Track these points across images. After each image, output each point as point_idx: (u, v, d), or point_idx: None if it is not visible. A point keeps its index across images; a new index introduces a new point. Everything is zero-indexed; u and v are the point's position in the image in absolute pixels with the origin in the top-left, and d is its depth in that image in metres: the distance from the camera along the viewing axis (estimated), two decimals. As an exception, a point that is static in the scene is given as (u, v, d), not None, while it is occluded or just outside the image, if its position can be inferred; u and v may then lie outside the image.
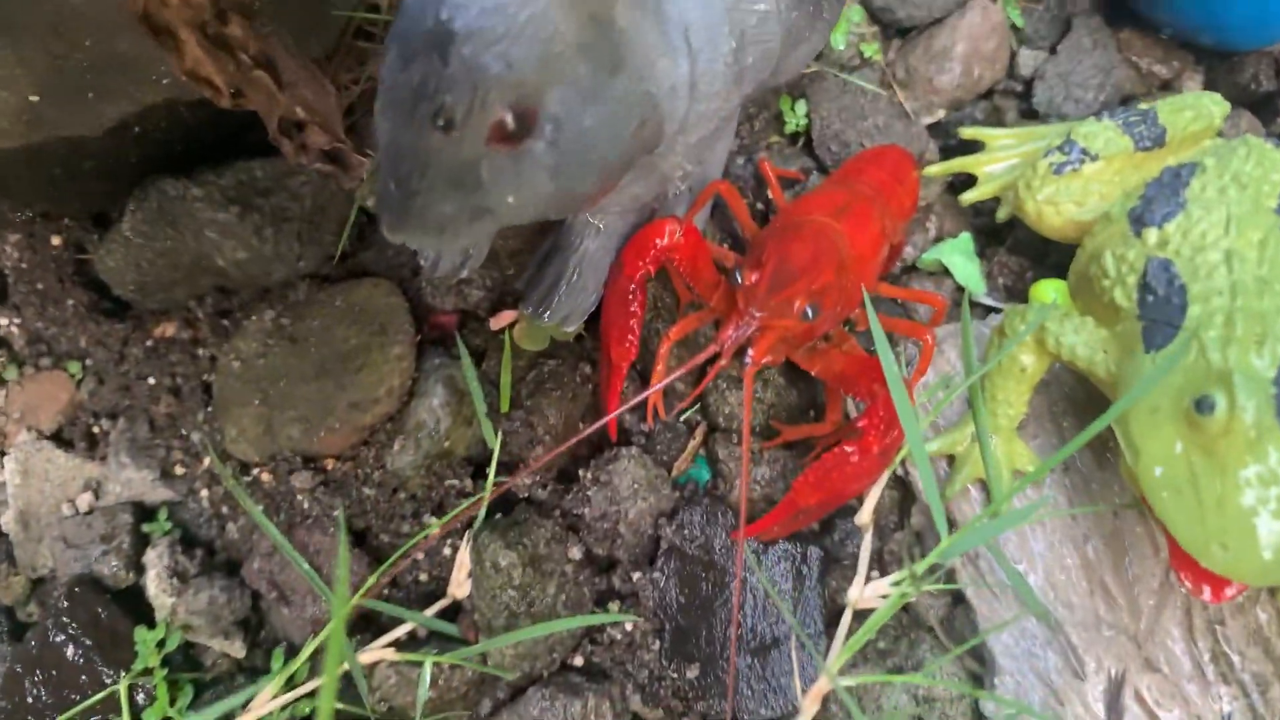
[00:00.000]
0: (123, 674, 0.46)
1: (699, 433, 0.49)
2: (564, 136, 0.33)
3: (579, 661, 0.46)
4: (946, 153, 0.54)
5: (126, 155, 0.48)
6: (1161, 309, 0.39)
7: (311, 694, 0.45)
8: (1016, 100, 0.56)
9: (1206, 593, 0.37)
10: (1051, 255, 0.50)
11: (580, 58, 0.33)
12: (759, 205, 0.52)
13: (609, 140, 0.35)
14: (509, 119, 0.32)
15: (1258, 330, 0.36)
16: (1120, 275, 0.41)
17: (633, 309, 0.43)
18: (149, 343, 0.52)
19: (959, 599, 0.45)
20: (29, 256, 0.54)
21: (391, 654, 0.45)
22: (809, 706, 0.39)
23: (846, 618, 0.41)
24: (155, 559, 0.48)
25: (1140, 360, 0.38)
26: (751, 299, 0.40)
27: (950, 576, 0.46)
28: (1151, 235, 0.41)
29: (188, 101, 0.47)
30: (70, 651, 0.47)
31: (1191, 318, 0.38)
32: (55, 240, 0.53)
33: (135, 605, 0.49)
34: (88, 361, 0.53)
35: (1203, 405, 0.35)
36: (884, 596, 0.40)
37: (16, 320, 0.54)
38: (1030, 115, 0.56)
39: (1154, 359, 0.38)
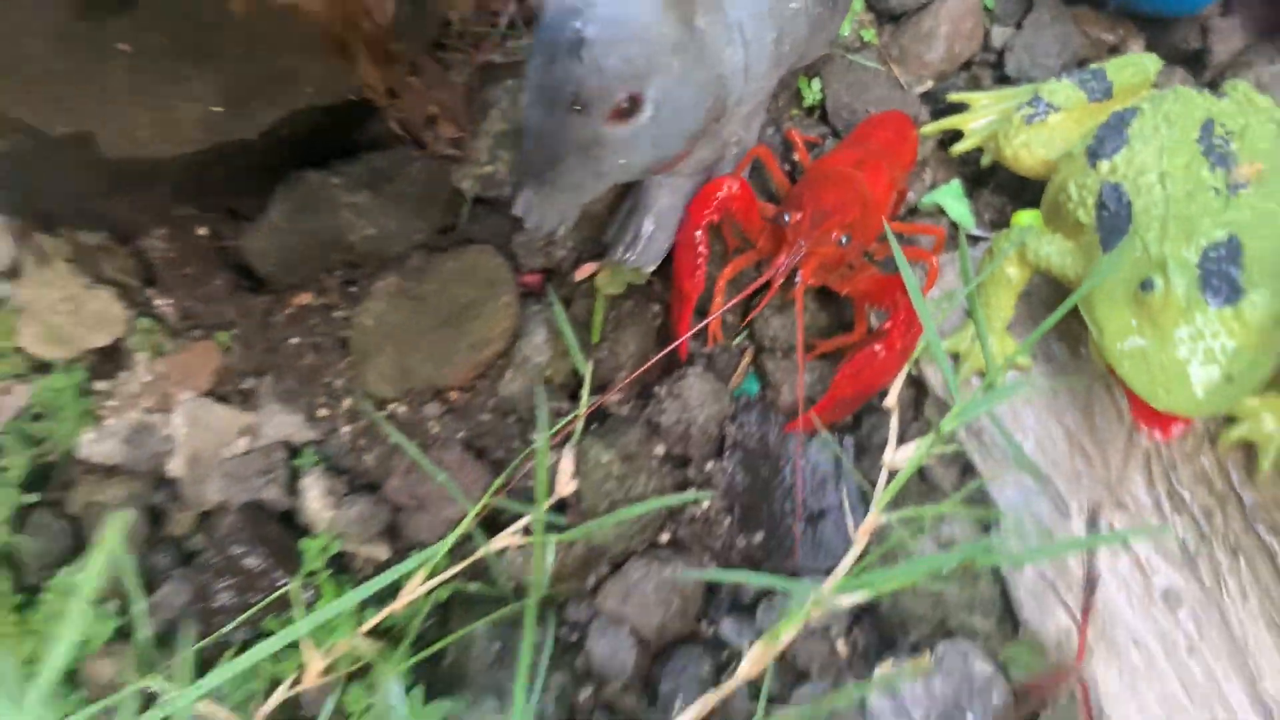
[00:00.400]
0: (295, 575, 0.57)
1: (748, 354, 0.60)
2: (662, 113, 0.44)
3: (665, 538, 0.57)
4: (937, 115, 0.65)
5: (273, 153, 0.58)
6: (1113, 221, 0.50)
7: (450, 579, 0.56)
8: (991, 69, 0.68)
9: (1159, 434, 0.48)
10: (1026, 192, 0.61)
11: (673, 54, 0.44)
12: (786, 166, 0.63)
13: (692, 114, 0.46)
14: (625, 102, 0.43)
15: (1185, 229, 0.47)
16: (1081, 198, 0.53)
17: (700, 250, 0.54)
18: (289, 311, 0.62)
19: (966, 470, 0.57)
20: (176, 246, 0.65)
21: (518, 539, 0.55)
22: (861, 539, 0.50)
23: (883, 477, 0.52)
24: (312, 483, 0.59)
25: (1100, 261, 0.50)
26: (799, 232, 0.51)
27: (964, 458, 0.57)
28: (1104, 165, 0.52)
29: (323, 105, 0.57)
30: (249, 561, 0.57)
31: (1136, 224, 0.49)
32: (201, 230, 0.64)
33: (294, 524, 0.60)
34: (235, 331, 0.63)
35: (1146, 286, 0.46)
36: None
37: (169, 300, 0.64)
38: (1003, 80, 0.67)
39: (1110, 258, 0.49)
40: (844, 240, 0.50)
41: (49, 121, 0.50)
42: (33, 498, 0.61)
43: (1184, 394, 0.45)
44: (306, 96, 0.56)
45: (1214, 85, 0.67)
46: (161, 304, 0.64)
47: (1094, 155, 0.53)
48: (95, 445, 0.62)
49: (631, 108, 0.43)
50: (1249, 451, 0.55)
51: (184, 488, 0.61)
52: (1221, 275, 0.45)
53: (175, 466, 0.61)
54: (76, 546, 0.61)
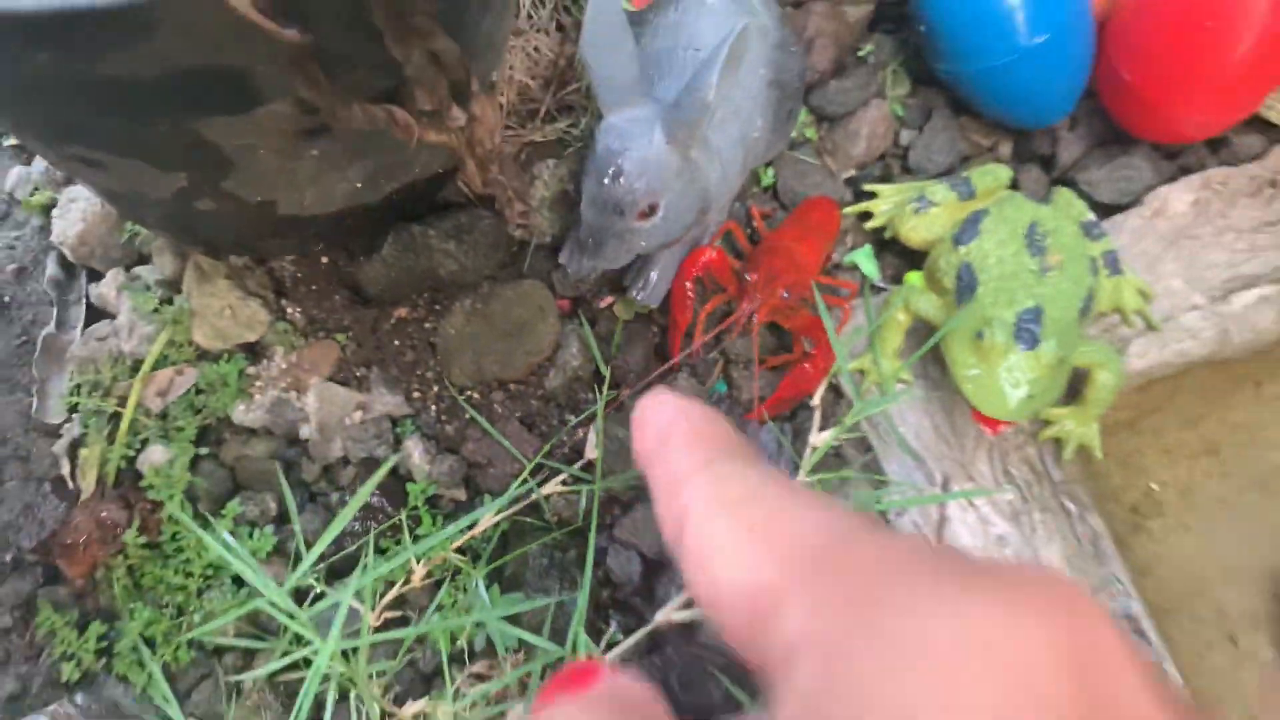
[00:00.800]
0: (402, 510, 0.81)
1: (720, 365, 0.85)
2: (669, 214, 0.69)
3: (661, 491, 0.82)
4: (857, 197, 0.90)
5: (386, 209, 0.82)
6: (966, 288, 0.76)
7: (511, 514, 0.80)
8: (899, 161, 0.93)
9: (989, 431, 0.74)
10: (918, 258, 0.86)
11: (677, 178, 0.68)
12: (748, 230, 0.88)
13: (687, 214, 0.71)
14: (647, 209, 0.68)
15: (1008, 298, 0.72)
16: (947, 270, 0.78)
17: (689, 294, 0.78)
18: (391, 321, 0.86)
19: (867, 449, 0.82)
20: (303, 269, 0.88)
21: (560, 487, 0.80)
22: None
23: (808, 453, 0.78)
24: (412, 446, 0.83)
25: (955, 315, 0.75)
26: (755, 289, 0.76)
27: (866, 442, 0.82)
28: (962, 249, 0.78)
29: (423, 180, 0.81)
30: (370, 499, 0.81)
31: (978, 292, 0.75)
32: (324, 260, 0.88)
33: (398, 474, 0.84)
34: (349, 333, 0.87)
35: (980, 335, 0.71)
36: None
37: (299, 309, 0.88)
38: (907, 171, 0.92)
39: (960, 313, 0.75)
40: (785, 294, 0.76)
41: (251, 195, 0.73)
42: (201, 450, 0.85)
43: (1001, 405, 0.70)
44: (415, 174, 0.80)
45: (1059, 181, 0.93)
46: (293, 312, 0.88)
47: (957, 241, 0.78)
48: (246, 414, 0.85)
49: (651, 212, 0.68)
50: (1057, 445, 0.81)
51: (312, 446, 0.85)
52: (1028, 330, 0.71)
53: (306, 430, 0.85)
54: (234, 488, 0.85)
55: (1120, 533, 0.82)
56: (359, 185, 0.76)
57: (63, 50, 0.49)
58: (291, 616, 0.66)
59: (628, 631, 0.79)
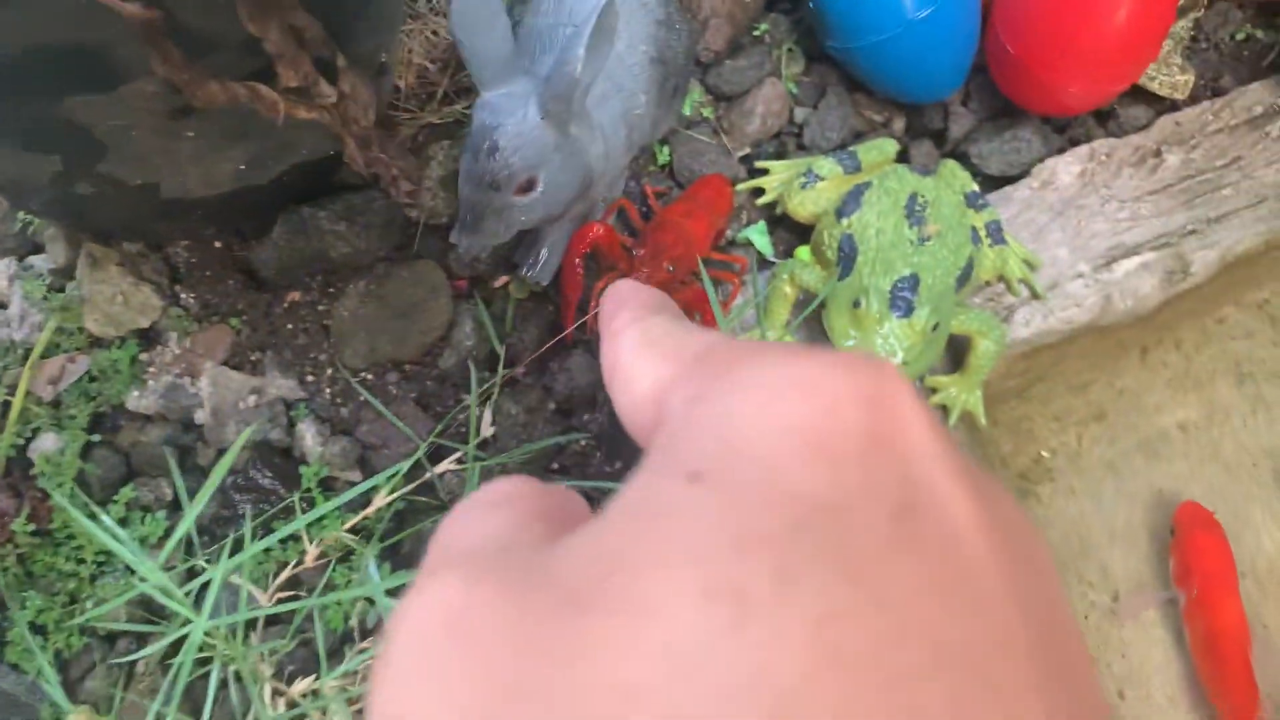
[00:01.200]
0: (295, 492, 0.81)
1: (616, 341, 0.86)
2: (549, 188, 0.69)
3: (555, 466, 0.83)
4: (751, 173, 0.91)
5: (276, 192, 0.81)
6: (847, 260, 0.77)
7: (405, 494, 0.80)
8: (794, 138, 0.94)
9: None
10: (805, 233, 0.87)
11: (556, 152, 0.69)
12: (642, 209, 0.89)
13: (569, 188, 0.71)
14: (524, 183, 0.68)
15: (885, 268, 0.74)
16: (830, 243, 0.79)
17: (579, 270, 0.79)
18: (285, 304, 0.86)
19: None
20: (197, 254, 0.87)
21: (453, 466, 0.80)
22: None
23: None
24: (305, 429, 0.83)
25: (836, 285, 0.76)
26: (642, 263, 0.76)
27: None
28: (845, 222, 0.79)
29: (312, 161, 0.80)
30: (263, 481, 0.81)
31: (858, 263, 0.76)
32: (217, 244, 0.87)
33: (292, 457, 0.84)
34: (243, 318, 0.87)
35: (857, 303, 0.72)
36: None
37: (193, 294, 0.87)
38: (802, 148, 0.93)
39: (840, 284, 0.76)
40: (670, 268, 0.76)
41: (131, 177, 0.72)
42: (94, 438, 0.84)
43: (879, 373, 0.72)
44: (303, 155, 0.79)
45: (951, 154, 0.94)
46: (186, 297, 0.87)
47: (840, 214, 0.80)
48: (140, 400, 0.85)
49: (529, 186, 0.69)
50: (943, 412, 0.82)
51: (208, 431, 0.84)
52: (903, 299, 0.72)
53: (201, 415, 0.85)
54: (128, 474, 0.85)
55: (1008, 498, 0.84)
56: (243, 166, 0.76)
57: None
58: (169, 595, 0.66)
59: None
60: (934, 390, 0.81)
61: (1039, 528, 0.82)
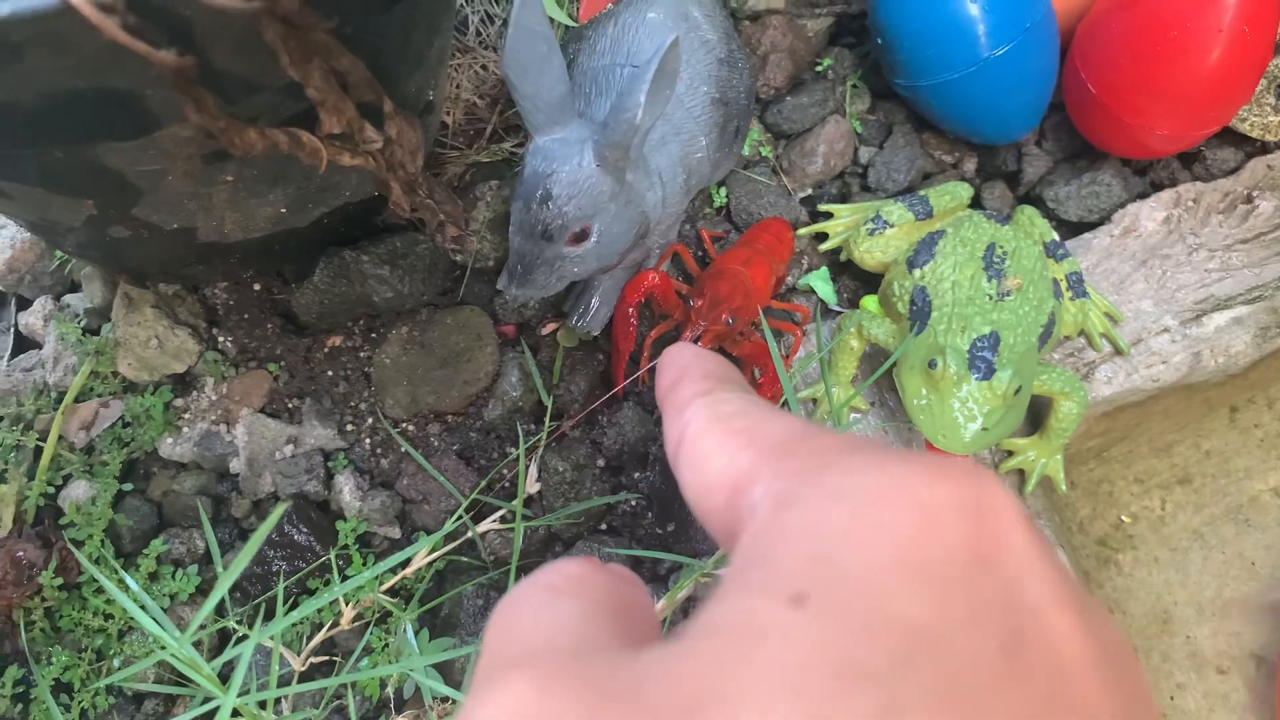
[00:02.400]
0: (331, 549, 0.77)
1: (669, 393, 0.81)
2: (603, 239, 0.65)
3: (604, 526, 0.78)
4: (814, 216, 0.86)
5: (317, 235, 0.78)
6: (919, 314, 0.72)
7: (446, 553, 0.76)
8: (859, 179, 0.89)
9: (943, 463, 0.70)
10: (872, 281, 0.83)
11: (610, 200, 0.65)
12: (698, 253, 0.84)
13: (624, 237, 0.67)
14: (578, 233, 0.64)
15: (962, 324, 0.69)
16: (901, 295, 0.74)
17: (632, 320, 0.75)
18: (325, 350, 0.83)
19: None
20: (236, 296, 0.84)
21: (496, 525, 0.76)
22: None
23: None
24: (343, 481, 0.79)
25: (907, 343, 0.71)
26: (699, 315, 0.72)
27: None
28: (917, 273, 0.74)
29: (355, 203, 0.77)
30: (298, 537, 0.77)
31: (932, 319, 0.71)
32: (256, 286, 0.84)
33: (329, 511, 0.80)
34: (281, 363, 0.83)
35: (932, 364, 0.67)
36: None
37: (230, 338, 0.84)
38: (866, 189, 0.88)
39: (914, 341, 0.71)
40: (730, 320, 0.72)
41: (166, 222, 0.69)
42: (126, 486, 0.81)
43: (955, 439, 0.66)
44: (345, 198, 0.76)
45: (1026, 198, 0.89)
46: (224, 340, 0.84)
47: (911, 264, 0.75)
48: (174, 447, 0.81)
49: (583, 236, 0.65)
50: (1020, 477, 0.77)
51: (242, 481, 0.81)
52: (983, 360, 0.67)
53: (236, 465, 0.81)
54: (160, 524, 0.81)
55: (1087, 567, 0.78)
56: (283, 210, 0.73)
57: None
58: (196, 669, 0.62)
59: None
60: (1011, 453, 0.76)
61: (1119, 599, 0.76)
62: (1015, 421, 0.68)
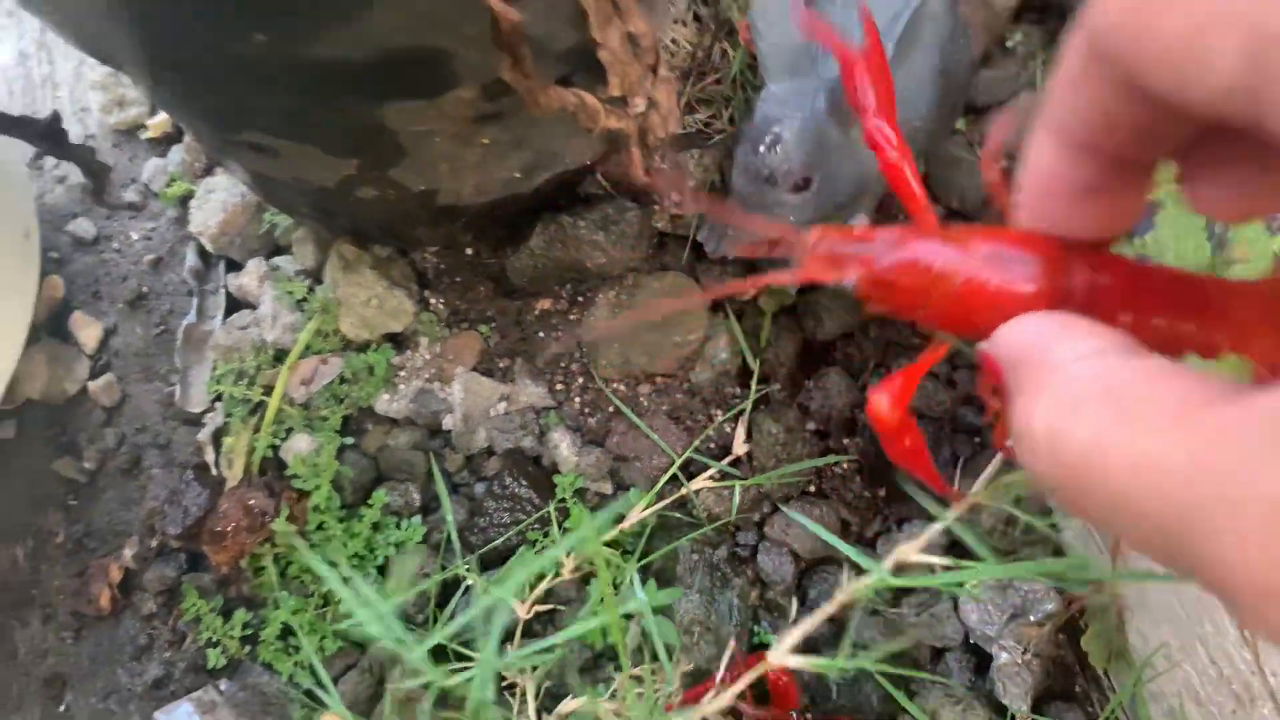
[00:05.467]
0: (550, 501, 0.80)
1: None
2: (822, 191, 0.67)
3: (813, 488, 0.80)
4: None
5: (533, 202, 0.81)
6: None
7: (660, 509, 0.79)
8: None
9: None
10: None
11: (833, 153, 0.66)
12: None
13: (841, 193, 0.69)
14: (800, 180, 0.66)
15: None
16: (1118, 264, 0.75)
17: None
18: (535, 312, 0.86)
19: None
20: (447, 261, 0.88)
21: (710, 483, 0.78)
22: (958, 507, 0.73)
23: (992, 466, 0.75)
24: (559, 437, 0.82)
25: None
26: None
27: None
28: (1137, 242, 0.75)
29: (571, 171, 0.80)
30: (519, 490, 0.80)
31: None
32: (469, 251, 0.87)
33: (542, 466, 0.83)
34: (493, 325, 0.87)
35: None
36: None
37: (441, 300, 0.87)
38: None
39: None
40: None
41: (415, 184, 0.72)
42: (347, 440, 0.85)
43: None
44: (565, 165, 0.79)
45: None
46: (436, 303, 0.88)
47: (1131, 234, 0.76)
48: (390, 404, 0.85)
49: (804, 184, 0.67)
50: None
51: (456, 437, 0.84)
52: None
53: (449, 421, 0.85)
54: (377, 477, 0.85)
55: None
56: (517, 175, 0.76)
57: (284, 30, 0.49)
58: (407, 646, 0.65)
59: (778, 632, 0.78)
60: None
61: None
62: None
